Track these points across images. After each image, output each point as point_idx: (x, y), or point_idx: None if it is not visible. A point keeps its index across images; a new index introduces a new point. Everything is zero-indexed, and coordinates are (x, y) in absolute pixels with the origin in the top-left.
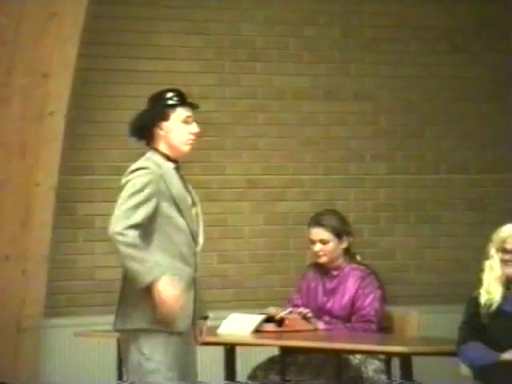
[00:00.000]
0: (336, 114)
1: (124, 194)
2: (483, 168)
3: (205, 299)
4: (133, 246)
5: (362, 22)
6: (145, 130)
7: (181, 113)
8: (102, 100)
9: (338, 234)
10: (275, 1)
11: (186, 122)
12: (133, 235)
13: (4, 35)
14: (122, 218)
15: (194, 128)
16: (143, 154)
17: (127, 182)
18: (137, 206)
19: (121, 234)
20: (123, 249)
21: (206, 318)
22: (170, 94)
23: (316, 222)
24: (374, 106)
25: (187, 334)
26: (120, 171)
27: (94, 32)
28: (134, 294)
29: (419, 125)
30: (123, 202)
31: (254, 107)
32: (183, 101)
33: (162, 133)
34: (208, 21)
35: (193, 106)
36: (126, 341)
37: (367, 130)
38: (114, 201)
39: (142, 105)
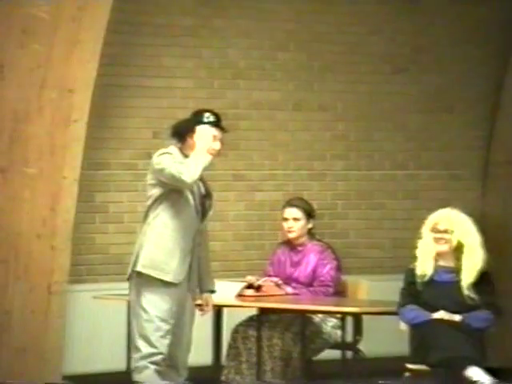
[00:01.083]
0: (302, 122)
1: (156, 167)
2: (419, 165)
3: (212, 275)
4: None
5: (324, 48)
6: (181, 133)
7: (211, 131)
8: (116, 110)
9: (308, 215)
10: (254, 31)
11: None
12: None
13: (38, 59)
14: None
15: (217, 145)
16: (149, 153)
17: (157, 163)
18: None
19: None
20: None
21: (212, 291)
22: (207, 115)
23: (291, 203)
24: (333, 115)
25: (182, 288)
26: (129, 167)
27: (109, 56)
28: (150, 248)
29: (369, 130)
30: (163, 168)
31: (237, 116)
32: (216, 123)
33: (191, 140)
34: (201, 47)
35: (223, 129)
36: (133, 286)
37: (327, 135)
38: (125, 191)
39: (147, 113)
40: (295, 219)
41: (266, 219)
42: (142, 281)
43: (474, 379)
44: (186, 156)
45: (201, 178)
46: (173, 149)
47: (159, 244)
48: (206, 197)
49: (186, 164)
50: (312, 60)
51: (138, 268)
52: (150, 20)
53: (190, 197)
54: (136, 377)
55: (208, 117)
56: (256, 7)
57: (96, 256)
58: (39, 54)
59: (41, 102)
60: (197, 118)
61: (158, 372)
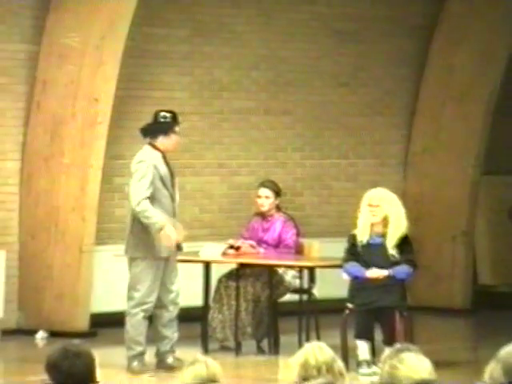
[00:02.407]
0: (270, 123)
1: (134, 178)
2: (358, 156)
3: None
4: (144, 210)
5: (286, 68)
6: (153, 133)
7: (176, 127)
8: (130, 115)
9: (276, 193)
10: (234, 55)
11: (177, 133)
12: (144, 203)
13: (71, 76)
14: (137, 194)
15: (179, 139)
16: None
17: (136, 170)
18: (143, 185)
19: (138, 204)
20: (140, 212)
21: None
22: (169, 115)
23: (264, 184)
24: (293, 118)
25: (170, 257)
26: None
27: (125, 74)
28: (136, 234)
29: (320, 129)
30: (135, 184)
31: (221, 119)
32: (177, 120)
33: (162, 137)
34: (194, 67)
35: (178, 123)
36: (129, 264)
37: (289, 133)
38: None
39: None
40: (266, 197)
41: (243, 197)
42: (136, 260)
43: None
44: (156, 149)
45: (167, 163)
46: (147, 148)
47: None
48: (172, 178)
49: (146, 206)
50: (278, 77)
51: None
52: (155, 47)
53: (165, 186)
54: (128, 322)
55: (170, 116)
56: (235, 37)
57: (115, 225)
58: (72, 72)
59: (74, 108)
60: (166, 119)
61: (146, 318)
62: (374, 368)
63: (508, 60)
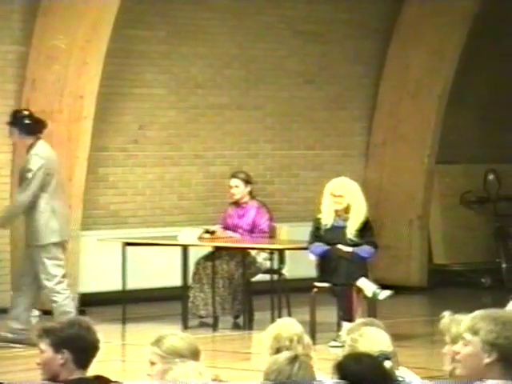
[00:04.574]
0: (243, 117)
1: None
2: (323, 147)
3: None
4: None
5: (257, 66)
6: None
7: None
8: (112, 110)
9: (246, 182)
10: (209, 54)
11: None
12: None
13: (58, 75)
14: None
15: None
16: (135, 140)
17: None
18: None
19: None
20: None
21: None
22: (32, 117)
23: (233, 175)
24: (264, 113)
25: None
26: (122, 150)
27: (108, 72)
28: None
29: (289, 123)
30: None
31: (197, 114)
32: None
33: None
34: (172, 66)
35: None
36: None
37: (260, 126)
38: (120, 166)
39: (134, 112)
40: (236, 186)
41: (218, 185)
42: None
43: (363, 287)
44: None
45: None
46: (41, 145)
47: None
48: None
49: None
50: (249, 74)
51: None
52: (136, 47)
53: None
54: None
55: (37, 118)
56: (210, 38)
57: (100, 211)
58: (59, 72)
59: (60, 105)
60: (37, 119)
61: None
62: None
63: (459, 58)
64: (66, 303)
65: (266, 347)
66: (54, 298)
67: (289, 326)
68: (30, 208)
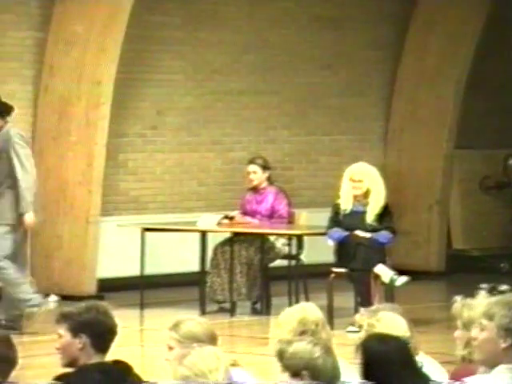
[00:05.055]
0: (259, 103)
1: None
2: (341, 132)
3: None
4: None
5: (273, 53)
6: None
7: None
8: (131, 95)
9: (263, 167)
10: (225, 41)
11: None
12: None
13: (77, 61)
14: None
15: None
16: (154, 126)
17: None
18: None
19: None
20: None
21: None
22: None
23: (251, 161)
24: (280, 98)
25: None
26: (141, 135)
27: (126, 58)
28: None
29: (305, 109)
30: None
31: (215, 99)
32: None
33: None
34: (189, 52)
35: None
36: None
37: (276, 112)
38: (139, 152)
39: (152, 98)
40: (254, 172)
41: (236, 171)
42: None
43: (380, 273)
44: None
45: None
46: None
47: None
48: None
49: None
50: (266, 60)
51: None
52: (154, 33)
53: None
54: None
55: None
56: (226, 24)
57: (119, 197)
58: (77, 58)
59: (79, 91)
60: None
61: None
62: None
63: (476, 44)
64: None
65: (288, 330)
66: None
67: (314, 310)
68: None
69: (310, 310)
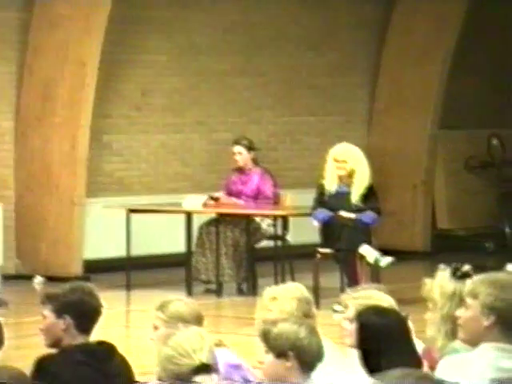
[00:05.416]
0: (245, 84)
1: None
2: (325, 113)
3: None
4: None
5: (260, 33)
6: None
7: None
8: (115, 77)
9: (248, 148)
10: (211, 20)
11: None
12: None
13: (61, 42)
14: None
15: None
16: (139, 107)
17: None
18: None
19: None
20: None
21: None
22: None
23: (237, 142)
24: (266, 79)
25: None
26: (126, 117)
27: (110, 39)
28: None
29: (291, 89)
30: None
31: (199, 80)
32: None
33: None
34: (174, 32)
35: None
36: None
37: (262, 93)
38: (123, 133)
39: (137, 79)
40: (239, 153)
41: (221, 152)
42: None
43: (365, 254)
44: None
45: None
46: None
47: None
48: None
49: None
50: (251, 41)
51: None
52: (138, 13)
53: None
54: None
55: None
56: (212, 4)
57: (104, 178)
58: (61, 38)
59: (63, 72)
60: None
61: None
62: None
63: (461, 24)
64: None
65: (288, 310)
66: None
67: (304, 289)
68: None
69: (305, 290)
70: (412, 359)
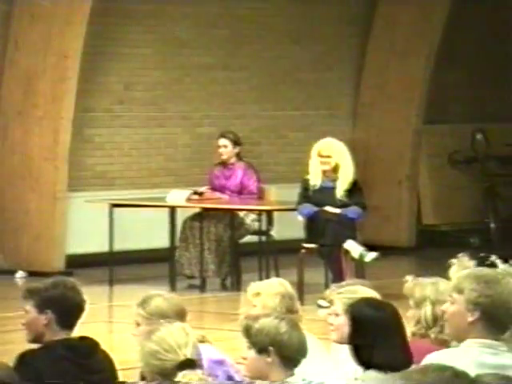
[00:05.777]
0: (228, 78)
1: None
2: (310, 107)
3: None
4: None
5: (243, 26)
6: None
7: None
8: (97, 70)
9: (234, 142)
10: (194, 14)
11: None
12: None
13: (42, 34)
14: None
15: None
16: (121, 100)
17: None
18: None
19: None
20: None
21: None
22: None
23: (222, 135)
24: (249, 73)
25: None
26: (108, 110)
27: (93, 32)
28: None
29: (275, 84)
30: None
31: (182, 74)
32: None
33: None
34: (157, 25)
35: None
36: None
37: (245, 87)
38: (105, 127)
39: (119, 72)
40: (225, 146)
41: (204, 146)
42: None
43: (349, 249)
44: None
45: None
46: None
47: None
48: None
49: None
50: (234, 34)
51: None
52: (121, 6)
53: None
54: None
55: None
56: None
57: (86, 173)
58: (43, 31)
59: (45, 64)
60: None
61: None
62: None
63: (446, 18)
64: None
65: (271, 306)
66: None
67: (288, 285)
68: None
69: (287, 285)
70: (403, 352)
